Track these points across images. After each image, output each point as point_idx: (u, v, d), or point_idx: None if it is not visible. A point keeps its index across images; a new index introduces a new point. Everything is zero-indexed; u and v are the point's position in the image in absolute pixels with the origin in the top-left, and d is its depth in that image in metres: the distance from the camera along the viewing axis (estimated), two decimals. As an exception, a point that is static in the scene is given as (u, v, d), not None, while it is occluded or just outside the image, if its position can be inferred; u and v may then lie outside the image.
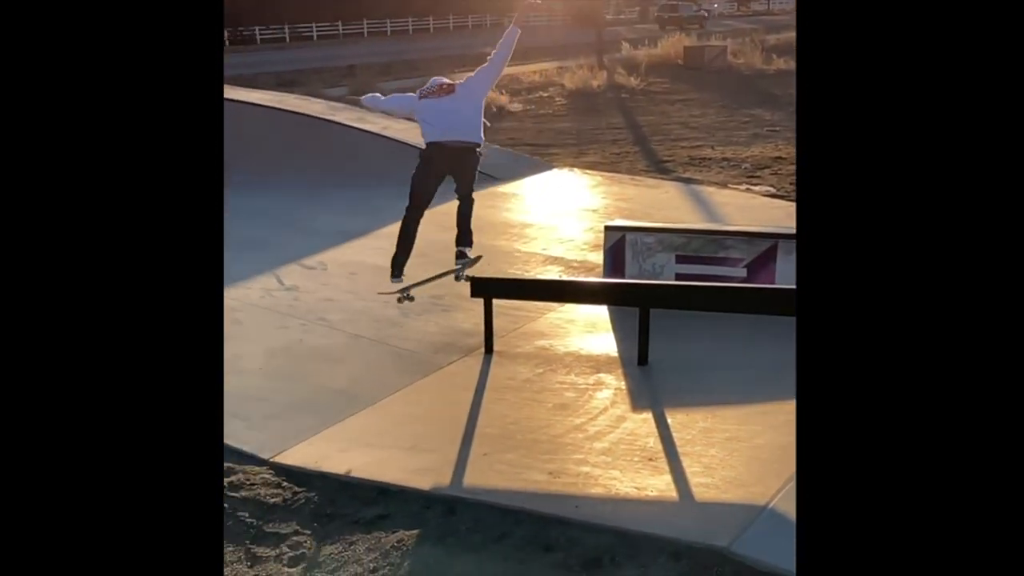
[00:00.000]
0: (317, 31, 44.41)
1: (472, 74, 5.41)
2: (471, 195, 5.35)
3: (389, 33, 46.86)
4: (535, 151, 12.92)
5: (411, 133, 11.84)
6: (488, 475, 3.85)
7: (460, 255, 5.43)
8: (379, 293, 5.54)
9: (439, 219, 9.18)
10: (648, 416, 4.41)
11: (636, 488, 3.69)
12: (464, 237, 5.41)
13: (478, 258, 5.50)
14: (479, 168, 5.26)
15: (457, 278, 5.50)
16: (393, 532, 3.45)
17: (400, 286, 5.23)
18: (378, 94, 5.64)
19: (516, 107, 18.03)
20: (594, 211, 9.17)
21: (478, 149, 5.15)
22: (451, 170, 5.20)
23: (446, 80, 5.36)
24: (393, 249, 5.25)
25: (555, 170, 11.46)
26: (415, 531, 3.44)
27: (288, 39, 42.56)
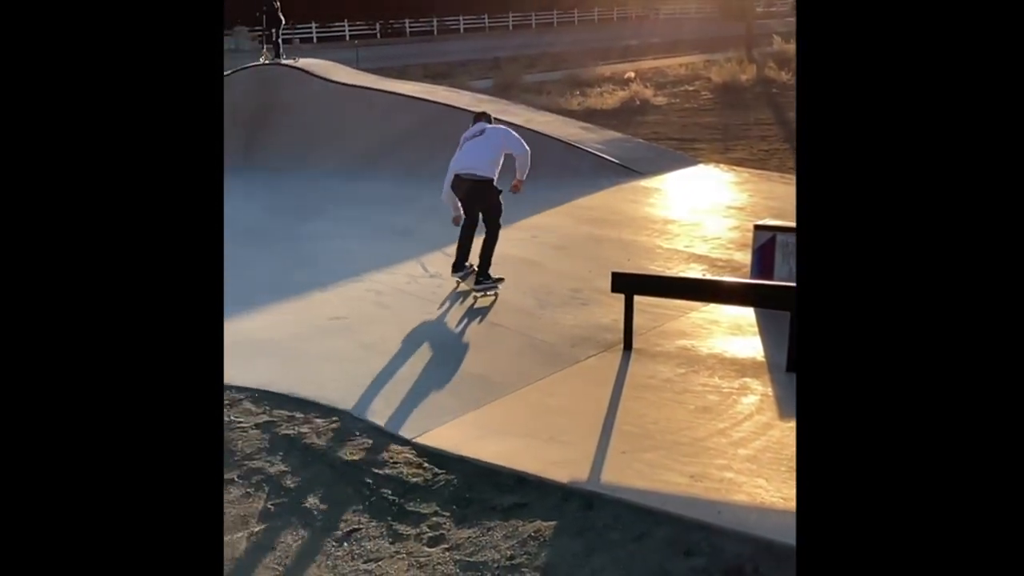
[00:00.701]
0: (464, 24, 45.31)
1: (512, 131, 6.51)
2: (495, 225, 6.27)
3: (534, 26, 47.17)
4: (679, 146, 12.66)
5: (553, 126, 11.86)
6: (626, 473, 3.80)
7: (477, 277, 6.25)
8: (452, 277, 6.52)
9: (578, 212, 9.06)
10: (796, 425, 4.21)
11: (783, 498, 3.53)
12: (481, 265, 6.24)
13: (491, 285, 6.23)
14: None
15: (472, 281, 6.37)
16: (531, 521, 3.45)
17: (457, 275, 6.44)
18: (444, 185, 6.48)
19: (660, 100, 17.75)
20: (741, 209, 8.87)
21: (494, 183, 6.17)
22: (474, 198, 6.23)
23: (487, 125, 6.40)
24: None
25: (700, 165, 11.18)
26: (552, 522, 3.44)
27: (436, 32, 43.66)
